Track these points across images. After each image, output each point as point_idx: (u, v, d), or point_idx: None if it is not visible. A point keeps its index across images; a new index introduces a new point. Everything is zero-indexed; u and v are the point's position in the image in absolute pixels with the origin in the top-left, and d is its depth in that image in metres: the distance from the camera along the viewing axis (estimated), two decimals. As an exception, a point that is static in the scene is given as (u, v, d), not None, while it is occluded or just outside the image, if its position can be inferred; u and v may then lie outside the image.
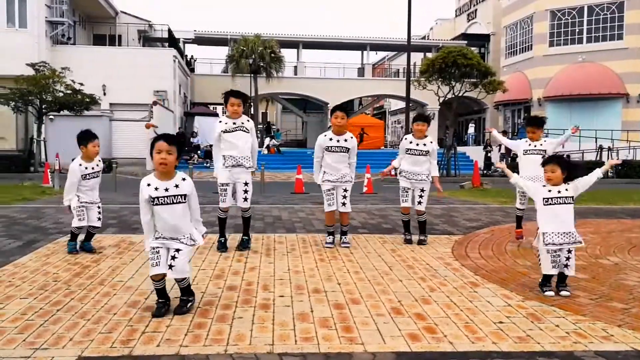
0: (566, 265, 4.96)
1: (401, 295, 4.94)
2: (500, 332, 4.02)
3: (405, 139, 7.43)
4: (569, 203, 4.97)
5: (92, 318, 4.20)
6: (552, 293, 4.92)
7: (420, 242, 7.33)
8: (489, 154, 29.11)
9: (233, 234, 7.48)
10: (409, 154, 7.31)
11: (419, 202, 7.30)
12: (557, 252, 4.93)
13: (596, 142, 28.76)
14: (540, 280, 5.10)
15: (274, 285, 5.22)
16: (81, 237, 6.62)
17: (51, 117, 26.22)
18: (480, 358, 3.55)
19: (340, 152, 6.89)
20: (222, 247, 6.77)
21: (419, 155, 7.24)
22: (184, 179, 4.39)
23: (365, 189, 16.66)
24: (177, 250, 4.35)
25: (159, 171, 4.34)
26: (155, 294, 4.44)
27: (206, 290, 5.02)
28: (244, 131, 6.64)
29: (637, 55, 31.41)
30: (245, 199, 6.73)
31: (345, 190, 7.01)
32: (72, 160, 6.54)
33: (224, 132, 6.62)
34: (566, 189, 4.98)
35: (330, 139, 6.92)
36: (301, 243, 7.36)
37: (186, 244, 4.41)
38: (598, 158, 26.33)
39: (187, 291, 4.48)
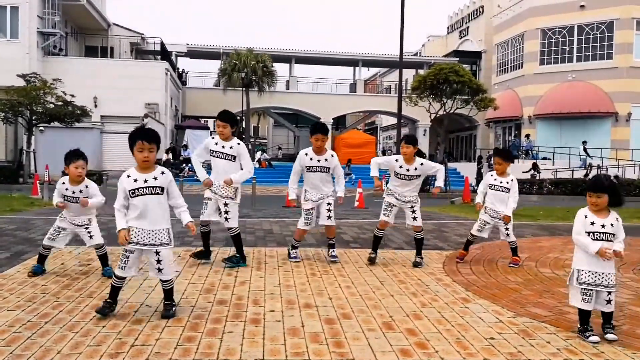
0: (608, 301, 4.28)
1: (392, 310, 4.92)
2: (492, 348, 4.01)
3: (397, 160, 6.94)
4: (611, 240, 4.28)
5: (81, 331, 4.16)
6: (597, 339, 4.17)
7: (416, 265, 6.93)
8: (481, 170, 29.24)
9: (224, 248, 7.42)
10: (398, 177, 6.92)
11: (414, 219, 6.92)
12: (590, 290, 4.29)
13: (586, 160, 29.01)
14: (578, 325, 4.37)
15: (265, 299, 5.19)
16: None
17: (41, 128, 26.09)
18: (471, 374, 3.54)
19: (322, 171, 6.87)
20: (204, 256, 6.70)
21: (409, 180, 6.90)
22: (163, 173, 4.62)
23: (356, 204, 16.67)
24: (157, 253, 4.53)
25: (140, 167, 4.57)
26: (109, 292, 4.62)
27: (196, 304, 4.98)
28: (228, 160, 6.52)
29: (626, 75, 31.80)
30: (227, 219, 6.54)
31: (329, 204, 6.96)
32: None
33: (212, 151, 6.55)
34: (612, 224, 4.28)
35: (311, 159, 6.87)
36: (292, 257, 7.32)
37: (165, 243, 4.56)
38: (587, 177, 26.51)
39: (171, 295, 4.66)
